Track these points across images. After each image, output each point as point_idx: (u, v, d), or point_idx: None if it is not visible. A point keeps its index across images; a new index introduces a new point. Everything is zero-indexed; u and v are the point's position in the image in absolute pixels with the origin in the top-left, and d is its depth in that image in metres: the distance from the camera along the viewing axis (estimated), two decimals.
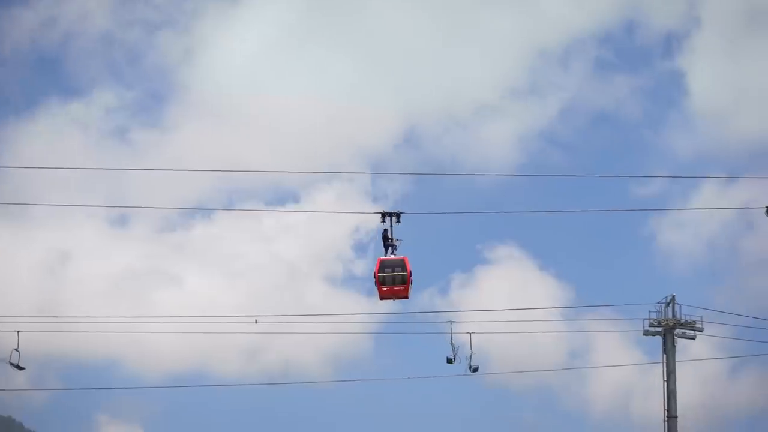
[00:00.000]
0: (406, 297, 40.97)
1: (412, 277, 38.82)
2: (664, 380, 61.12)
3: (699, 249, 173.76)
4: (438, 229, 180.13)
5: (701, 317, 61.02)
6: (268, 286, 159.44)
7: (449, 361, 54.92)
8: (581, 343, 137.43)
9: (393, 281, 38.26)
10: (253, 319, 50.80)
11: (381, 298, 40.25)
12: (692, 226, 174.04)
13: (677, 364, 61.50)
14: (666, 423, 60.43)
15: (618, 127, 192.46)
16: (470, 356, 54.83)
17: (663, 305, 61.76)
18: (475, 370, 55.48)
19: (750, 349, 57.42)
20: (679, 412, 60.63)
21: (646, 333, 62.12)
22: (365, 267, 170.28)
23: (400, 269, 38.20)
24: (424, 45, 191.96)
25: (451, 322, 55.25)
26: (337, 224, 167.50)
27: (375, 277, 38.41)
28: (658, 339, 61.97)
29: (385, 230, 39.28)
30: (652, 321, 61.73)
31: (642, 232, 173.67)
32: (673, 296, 61.60)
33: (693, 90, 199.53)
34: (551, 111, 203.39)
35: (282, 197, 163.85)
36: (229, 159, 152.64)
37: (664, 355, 61.58)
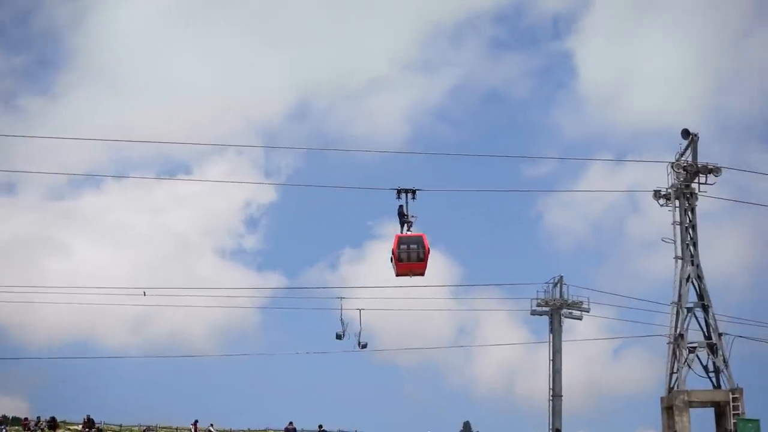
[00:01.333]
0: (423, 274, 40.58)
1: (429, 254, 38.28)
2: (550, 359, 62.05)
3: (586, 230, 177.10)
4: (328, 204, 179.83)
5: (588, 298, 62.07)
6: (157, 257, 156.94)
7: (338, 337, 54.86)
8: (470, 321, 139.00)
9: (411, 257, 37.65)
10: (141, 291, 50.89)
11: (397, 275, 39.58)
12: (579, 207, 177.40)
13: (563, 343, 62.54)
14: (551, 401, 61.30)
15: (508, 106, 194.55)
16: (359, 332, 54.83)
17: (551, 285, 62.68)
18: (364, 346, 55.48)
19: (634, 330, 58.44)
20: (564, 391, 61.62)
21: (534, 312, 62.94)
22: (256, 241, 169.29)
23: (418, 246, 37.61)
24: (317, 18, 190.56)
25: (341, 298, 55.24)
26: (228, 198, 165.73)
27: (393, 254, 37.70)
28: (545, 319, 62.88)
29: (401, 206, 38.70)
30: (539, 301, 62.57)
31: (530, 213, 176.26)
32: (561, 277, 62.58)
33: (581, 72, 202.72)
34: (443, 87, 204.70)
35: (173, 168, 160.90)
36: (120, 128, 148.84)
37: (551, 335, 62.51)
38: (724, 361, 46.96)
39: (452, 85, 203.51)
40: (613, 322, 74.86)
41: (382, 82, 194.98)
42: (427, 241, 37.83)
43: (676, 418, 45.83)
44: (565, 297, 62.00)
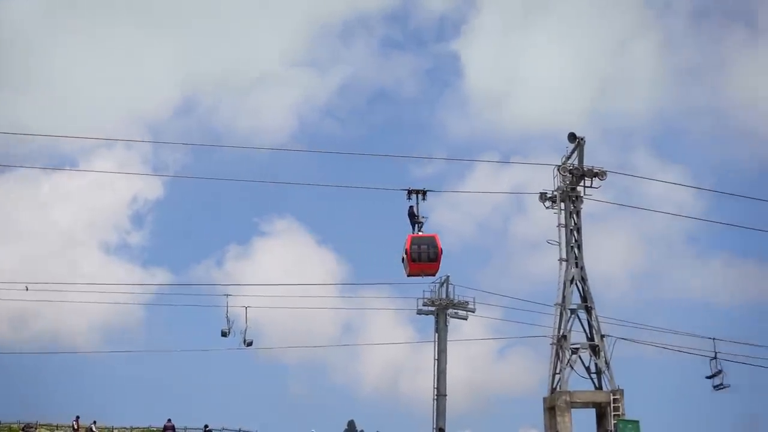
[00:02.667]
0: (434, 275, 40.40)
1: (442, 255, 38.10)
2: (435, 359, 62.25)
3: (472, 231, 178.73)
4: (215, 200, 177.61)
5: (473, 298, 62.49)
6: (41, 252, 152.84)
7: (224, 334, 54.12)
8: (356, 319, 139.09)
9: (423, 258, 37.35)
10: (23, 286, 49.77)
11: (409, 275, 39.31)
12: (465, 207, 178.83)
13: (449, 343, 62.77)
14: (435, 401, 61.51)
15: (396, 105, 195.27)
16: (245, 330, 54.21)
17: (437, 285, 62.82)
18: (250, 344, 54.85)
19: (518, 331, 59.06)
20: (448, 391, 61.92)
21: (420, 312, 63.09)
22: (141, 237, 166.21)
23: (432, 246, 37.33)
24: (206, 12, 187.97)
25: (227, 295, 54.47)
26: (114, 193, 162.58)
27: (406, 253, 37.34)
28: (431, 318, 63.07)
29: (411, 207, 38.33)
30: (426, 300, 62.70)
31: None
32: (447, 277, 62.75)
33: (469, 73, 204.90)
34: (331, 85, 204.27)
35: (59, 162, 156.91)
36: (5, 120, 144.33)
37: (436, 334, 62.72)
38: (606, 362, 47.58)
39: (341, 83, 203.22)
40: (497, 322, 75.51)
41: (270, 78, 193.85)
42: (440, 242, 37.86)
43: (558, 419, 46.27)
44: (451, 297, 62.29)
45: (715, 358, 48.35)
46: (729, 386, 48.53)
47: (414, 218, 38.60)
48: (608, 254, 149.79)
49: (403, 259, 37.57)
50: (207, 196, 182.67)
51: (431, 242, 37.61)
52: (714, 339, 48.64)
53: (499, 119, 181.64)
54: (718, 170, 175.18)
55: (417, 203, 37.78)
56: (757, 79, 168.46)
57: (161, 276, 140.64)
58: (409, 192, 37.41)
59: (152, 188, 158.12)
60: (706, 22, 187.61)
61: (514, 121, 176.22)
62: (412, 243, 37.55)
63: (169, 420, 54.63)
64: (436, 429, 59.66)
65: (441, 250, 38.16)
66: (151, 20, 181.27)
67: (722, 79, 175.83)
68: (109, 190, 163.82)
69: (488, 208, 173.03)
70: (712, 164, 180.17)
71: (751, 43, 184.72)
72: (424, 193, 38.09)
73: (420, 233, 38.12)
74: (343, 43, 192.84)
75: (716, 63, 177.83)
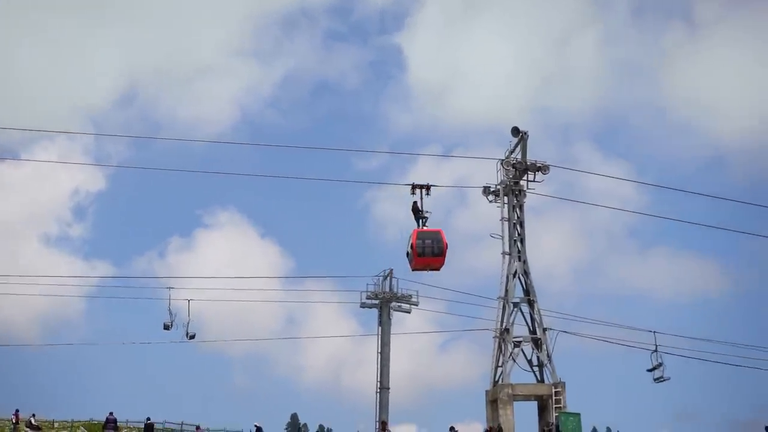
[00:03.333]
0: (439, 269, 40.17)
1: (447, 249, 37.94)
2: (378, 352, 62.18)
3: (414, 223, 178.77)
4: (158, 192, 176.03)
5: (417, 291, 62.48)
6: None
7: (166, 327, 53.79)
8: (300, 312, 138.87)
9: (427, 252, 37.23)
10: None
11: (414, 269, 39.13)
12: (408, 200, 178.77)
13: (392, 336, 62.77)
14: (378, 394, 61.44)
15: (340, 97, 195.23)
16: (188, 323, 53.85)
17: (381, 278, 62.78)
18: (192, 337, 54.44)
19: (461, 324, 59.23)
20: (391, 384, 61.87)
21: (364, 305, 62.97)
22: (83, 229, 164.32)
23: (437, 241, 37.20)
24: (148, 4, 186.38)
25: (169, 288, 54.12)
26: (56, 185, 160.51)
27: (412, 248, 37.09)
28: (375, 311, 62.98)
29: (415, 202, 38.04)
30: (369, 293, 62.64)
31: (360, 205, 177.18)
32: (391, 270, 62.82)
33: (412, 66, 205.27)
34: (274, 76, 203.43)
35: (0, 152, 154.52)
36: None
37: (380, 327, 62.67)
38: (548, 355, 47.94)
39: (284, 74, 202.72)
40: (441, 315, 75.87)
41: (213, 69, 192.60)
42: (445, 237, 37.87)
43: (500, 411, 46.53)
44: (395, 290, 62.29)
45: (655, 351, 48.90)
46: (669, 378, 49.08)
47: (418, 213, 38.65)
48: (551, 248, 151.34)
49: (408, 253, 37.63)
50: (149, 187, 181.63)
51: (437, 237, 37.82)
52: (654, 332, 49.25)
53: (441, 112, 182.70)
54: (659, 165, 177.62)
55: (421, 198, 37.75)
56: (696, 74, 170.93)
57: (103, 268, 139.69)
58: (413, 187, 37.37)
59: (94, 180, 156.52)
60: (646, 18, 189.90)
61: (456, 114, 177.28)
62: (417, 237, 37.58)
63: (111, 413, 53.77)
64: (378, 422, 59.45)
65: (446, 244, 38.31)
66: (94, 12, 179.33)
67: (662, 74, 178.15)
68: (50, 182, 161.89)
69: (430, 201, 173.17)
70: (653, 159, 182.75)
71: (690, 39, 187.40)
72: (429, 188, 38.10)
73: (425, 228, 38.13)
74: (286, 34, 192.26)
75: (656, 58, 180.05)
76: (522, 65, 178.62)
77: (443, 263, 38.93)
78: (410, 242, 36.83)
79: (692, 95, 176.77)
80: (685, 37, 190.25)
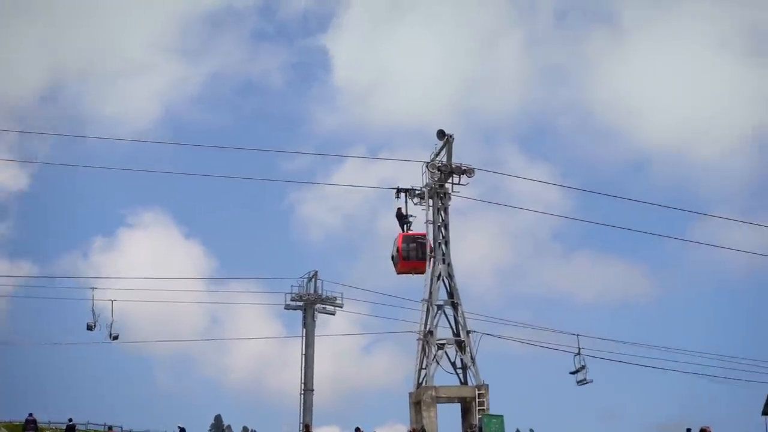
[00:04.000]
0: (423, 272, 40.03)
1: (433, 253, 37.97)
2: (302, 354, 61.91)
3: (339, 225, 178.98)
4: (81, 191, 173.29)
5: (341, 293, 62.40)
6: None
7: (89, 327, 53.33)
8: (224, 313, 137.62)
9: (412, 256, 37.19)
10: None
11: (399, 272, 38.96)
12: (333, 201, 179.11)
13: (316, 338, 62.60)
14: (302, 396, 61.20)
15: (265, 97, 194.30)
16: (111, 324, 53.40)
17: (305, 280, 62.55)
18: (116, 338, 54.00)
19: (385, 326, 59.17)
20: (315, 386, 61.67)
21: (288, 307, 62.67)
22: (5, 228, 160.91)
23: (422, 245, 37.14)
24: None
25: (93, 288, 53.58)
26: None
27: (398, 252, 36.93)
28: (299, 313, 62.72)
29: (399, 208, 37.82)
30: (294, 295, 62.36)
31: (285, 206, 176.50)
32: (316, 272, 62.63)
33: (337, 67, 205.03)
34: (200, 74, 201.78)
35: None
36: None
37: (304, 329, 62.40)
38: (472, 358, 48.14)
39: (209, 72, 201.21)
40: (365, 317, 75.82)
41: (138, 66, 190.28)
42: (430, 241, 38.04)
43: (424, 413, 46.60)
44: (320, 292, 62.13)
45: (578, 354, 49.20)
46: (592, 381, 49.49)
47: (403, 218, 38.80)
48: (475, 250, 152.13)
49: (393, 257, 37.73)
50: (72, 186, 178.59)
51: (422, 241, 37.99)
52: (578, 335, 49.56)
53: (367, 113, 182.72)
54: (583, 168, 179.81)
55: (406, 203, 37.93)
56: (621, 78, 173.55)
57: (25, 268, 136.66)
58: (398, 191, 37.52)
59: (17, 178, 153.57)
60: (571, 22, 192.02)
61: (382, 116, 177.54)
62: (403, 241, 37.82)
63: (31, 414, 52.83)
64: (302, 424, 59.29)
65: (431, 248, 38.57)
66: (17, 7, 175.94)
67: (587, 77, 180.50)
68: None
69: (356, 202, 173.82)
70: (578, 162, 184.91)
71: (615, 43, 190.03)
72: (415, 191, 38.32)
73: (411, 232, 38.29)
74: (212, 33, 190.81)
75: (581, 62, 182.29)
76: (448, 67, 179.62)
77: (427, 265, 39.38)
78: (396, 246, 37.17)
79: (616, 99, 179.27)
80: (609, 41, 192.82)
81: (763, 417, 58.09)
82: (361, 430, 46.93)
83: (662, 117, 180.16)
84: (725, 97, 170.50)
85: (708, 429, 22.23)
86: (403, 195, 37.83)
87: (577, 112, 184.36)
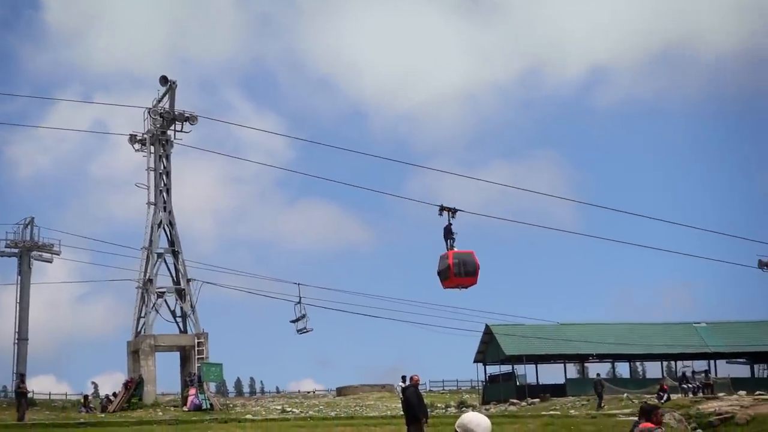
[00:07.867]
0: (468, 288, 39.83)
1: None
2: (17, 302, 59.87)
3: (57, 170, 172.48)
4: None
5: (59, 240, 60.67)
6: None
7: None
8: None
9: (462, 272, 37.09)
10: None
11: (446, 287, 38.03)
12: (48, 144, 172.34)
13: (32, 286, 60.72)
14: (16, 345, 59.39)
15: None
16: None
17: (21, 226, 60.37)
18: None
19: (105, 274, 58.31)
20: (30, 335, 59.97)
21: (2, 254, 60.37)
22: None
23: (471, 263, 37.29)
24: None
25: None
26: None
27: (449, 268, 36.41)
28: (14, 260, 60.55)
29: (449, 225, 36.79)
30: (8, 242, 60.13)
31: None
32: (32, 218, 60.71)
33: (49, 5, 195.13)
34: None
35: None
36: None
37: (19, 277, 60.30)
38: (192, 306, 48.17)
39: None
40: (84, 265, 74.05)
41: None
42: (477, 258, 39.04)
43: (142, 362, 46.28)
44: (36, 239, 60.11)
45: (299, 302, 49.82)
46: (312, 330, 50.36)
47: (450, 235, 39.49)
48: (198, 198, 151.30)
49: (440, 272, 38.59)
50: None
51: (470, 258, 39.37)
52: (299, 284, 50.21)
53: (82, 55, 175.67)
54: (305, 118, 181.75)
55: (449, 219, 38.30)
56: (334, 31, 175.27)
57: None
58: (441, 209, 37.95)
59: None
60: None
61: (98, 58, 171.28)
62: (454, 258, 38.98)
63: None
64: (17, 374, 57.43)
65: (479, 265, 40.03)
66: None
67: (302, 29, 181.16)
68: None
69: (72, 147, 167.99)
70: (299, 112, 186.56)
71: None
72: (455, 211, 38.63)
73: (458, 250, 39.30)
74: None
75: (295, 13, 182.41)
76: (166, 10, 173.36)
77: (476, 282, 40.95)
78: (447, 263, 38.34)
79: (334, 52, 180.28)
80: None
81: (475, 364, 62.64)
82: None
83: (379, 69, 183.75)
84: (436, 49, 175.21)
85: (417, 378, 23.39)
86: (446, 213, 39.34)
87: (295, 63, 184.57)
